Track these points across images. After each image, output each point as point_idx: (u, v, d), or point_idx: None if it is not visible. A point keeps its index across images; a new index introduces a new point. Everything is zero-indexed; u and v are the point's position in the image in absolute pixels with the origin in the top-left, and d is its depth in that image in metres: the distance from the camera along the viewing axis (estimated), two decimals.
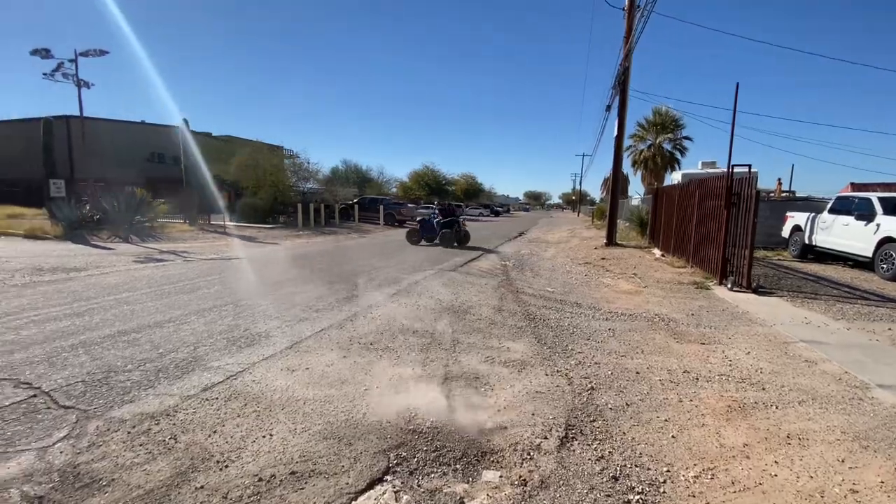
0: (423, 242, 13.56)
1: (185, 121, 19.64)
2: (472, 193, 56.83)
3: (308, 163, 25.30)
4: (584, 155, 71.44)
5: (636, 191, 30.67)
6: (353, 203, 26.12)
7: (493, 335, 4.47)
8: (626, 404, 3.02)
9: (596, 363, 3.75)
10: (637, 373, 3.57)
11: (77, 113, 18.27)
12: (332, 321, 4.87)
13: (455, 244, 13.31)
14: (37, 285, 6.35)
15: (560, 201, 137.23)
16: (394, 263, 9.45)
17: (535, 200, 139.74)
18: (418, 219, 14.27)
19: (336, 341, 4.20)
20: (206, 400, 2.92)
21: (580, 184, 71.51)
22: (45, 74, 17.41)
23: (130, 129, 27.00)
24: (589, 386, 3.28)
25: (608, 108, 15.22)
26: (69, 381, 3.11)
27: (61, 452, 2.27)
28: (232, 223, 19.23)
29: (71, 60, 17.52)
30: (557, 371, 3.56)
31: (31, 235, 12.40)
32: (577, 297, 6.37)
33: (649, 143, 29.86)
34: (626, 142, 15.36)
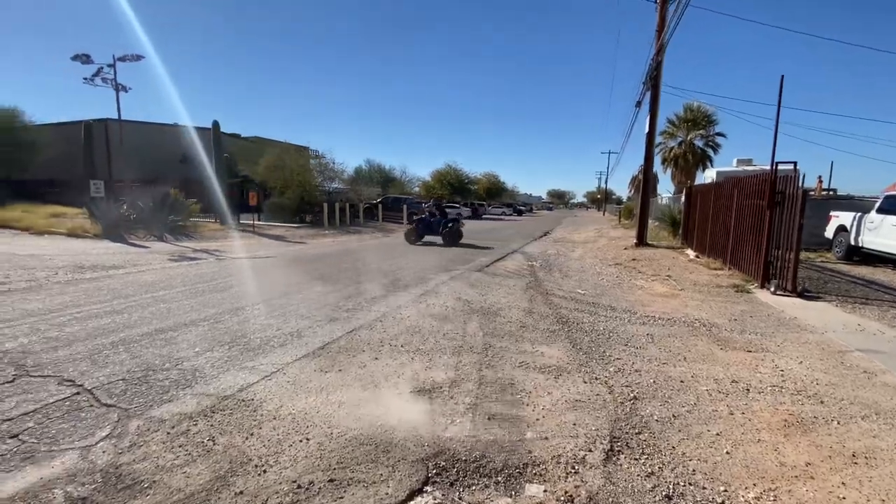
0: (417, 242, 13.44)
1: (216, 122, 20.13)
2: (495, 192, 56.44)
3: (333, 163, 25.60)
4: (609, 153, 69.90)
5: (666, 189, 29.84)
6: (376, 202, 26.32)
7: (525, 339, 4.36)
8: (673, 416, 2.85)
9: (636, 371, 3.59)
10: (681, 382, 3.39)
11: (114, 115, 18.98)
12: (362, 322, 4.85)
13: (452, 243, 13.44)
14: (78, 283, 6.57)
15: (584, 200, 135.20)
16: (419, 263, 9.41)
17: (559, 199, 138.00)
18: (415, 218, 14.22)
19: (367, 342, 4.16)
20: (243, 401, 2.91)
21: (606, 182, 70.14)
22: (85, 79, 18.21)
23: (164, 132, 27.90)
24: (631, 395, 3.13)
25: (638, 104, 14.80)
26: (110, 380, 3.17)
27: (104, 452, 2.29)
28: (260, 222, 19.64)
29: (110, 65, 18.22)
30: (596, 378, 3.41)
31: (73, 234, 12.93)
32: (610, 300, 6.18)
33: (680, 140, 28.97)
34: (656, 139, 14.89)
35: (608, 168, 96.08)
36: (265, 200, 22.96)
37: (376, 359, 3.74)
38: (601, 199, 75.97)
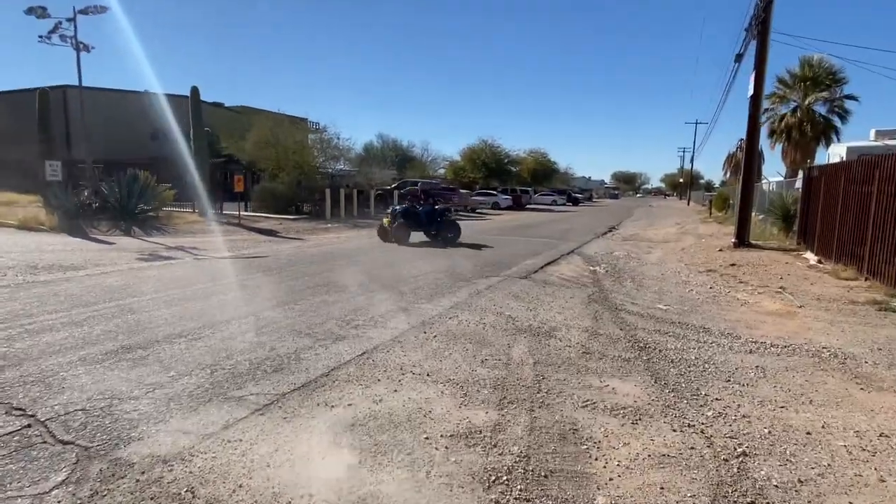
0: (405, 241, 13.02)
1: (195, 89, 20.74)
2: (543, 175, 55.83)
3: (338, 138, 25.93)
4: (696, 123, 67.82)
5: (775, 171, 28.75)
6: (391, 188, 26.52)
7: (589, 370, 4.24)
8: (799, 481, 2.69)
9: (744, 416, 3.42)
10: (808, 433, 3.21)
11: (74, 82, 19.84)
12: (377, 341, 4.84)
13: (450, 241, 13.37)
14: (31, 286, 6.86)
15: (661, 185, 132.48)
16: (445, 266, 9.39)
17: (627, 184, 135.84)
18: (397, 208, 13.78)
19: (383, 368, 4.15)
20: (229, 441, 2.93)
21: (692, 162, 67.86)
22: (40, 37, 19.04)
23: (132, 101, 29.02)
24: (738, 450, 2.98)
25: (738, 57, 14.32)
26: (67, 409, 3.25)
27: (59, 502, 2.33)
28: (248, 213, 20.12)
29: (69, 20, 19.03)
30: (689, 425, 3.27)
31: (25, 226, 13.58)
32: (702, 319, 5.97)
33: (794, 105, 27.86)
34: (762, 103, 14.35)
35: (694, 144, 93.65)
36: (254, 186, 23.52)
37: (395, 391, 3.71)
38: (684, 185, 74.02)
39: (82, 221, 13.95)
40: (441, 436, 3.06)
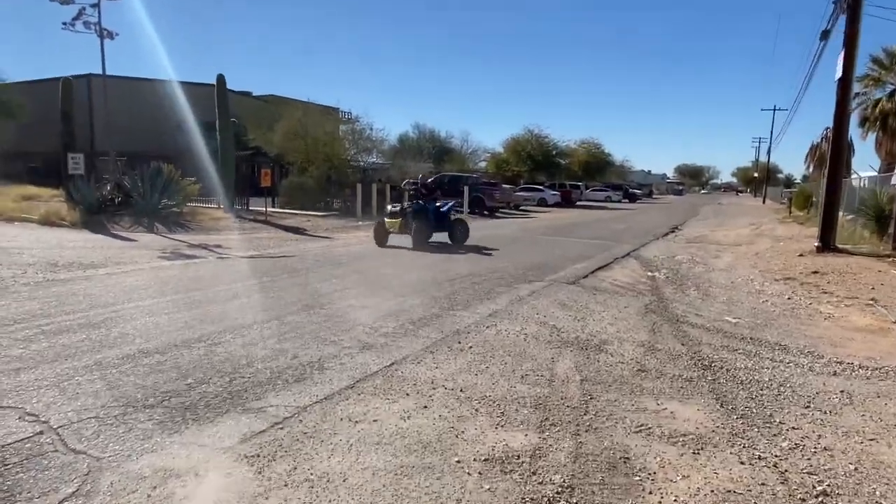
0: (426, 241, 12.45)
1: (221, 77, 21.36)
2: (596, 168, 54.97)
3: (370, 129, 26.24)
4: (774, 109, 65.30)
5: (868, 164, 27.46)
6: (427, 183, 26.65)
7: (644, 390, 4.13)
8: None
9: (825, 449, 3.26)
10: None
11: (97, 71, 20.80)
12: (407, 351, 4.86)
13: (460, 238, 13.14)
14: (50, 285, 7.20)
15: (733, 180, 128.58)
16: (483, 269, 9.35)
17: (693, 179, 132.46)
18: (405, 206, 12.91)
19: (412, 382, 4.15)
20: (245, 457, 2.98)
21: (768, 154, 65.22)
22: (64, 24, 20.05)
23: (156, 90, 30.11)
24: (818, 489, 2.83)
25: (825, 34, 13.72)
26: (81, 416, 3.38)
27: None
28: (275, 209, 20.60)
29: (93, 5, 19.95)
30: (759, 457, 3.13)
31: (47, 222, 14.30)
32: (778, 335, 5.74)
33: (890, 88, 26.52)
34: (853, 87, 13.69)
35: (772, 133, 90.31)
36: (281, 180, 24.07)
37: (425, 407, 3.70)
38: (759, 180, 71.45)
39: (104, 217, 14.57)
40: (474, 459, 3.03)
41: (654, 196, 68.82)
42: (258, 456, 3.00)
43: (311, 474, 2.84)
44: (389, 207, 13.21)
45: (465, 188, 24.85)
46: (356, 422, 3.46)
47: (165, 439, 3.15)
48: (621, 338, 5.51)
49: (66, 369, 4.16)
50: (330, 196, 23.19)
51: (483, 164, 48.84)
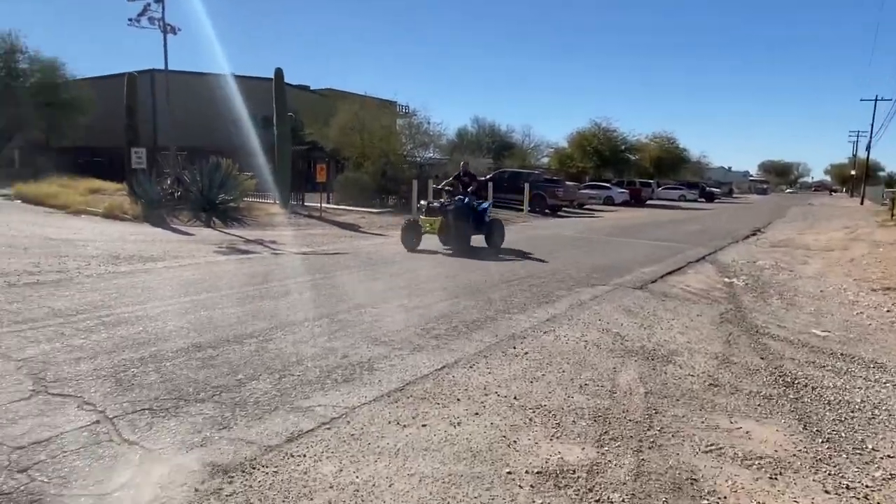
0: (462, 244, 11.45)
1: (279, 71, 22.03)
2: (670, 165, 53.17)
3: (428, 123, 26.45)
4: (876, 100, 61.17)
5: None
6: (485, 179, 26.56)
7: (717, 406, 3.98)
8: None
9: None
10: None
11: (159, 65, 21.94)
12: (459, 355, 4.86)
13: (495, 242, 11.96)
14: (112, 277, 7.63)
15: (826, 178, 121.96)
16: (543, 270, 9.25)
17: (779, 177, 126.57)
18: (445, 202, 11.76)
19: (464, 387, 4.15)
20: (291, 456, 3.06)
21: (867, 149, 61.27)
22: (130, 21, 21.27)
23: (215, 85, 31.40)
24: None
25: None
26: (135, 408, 3.57)
27: None
28: (329, 205, 21.08)
29: (157, 1, 21.05)
30: (847, 487, 2.95)
31: (110, 215, 15.18)
32: (874, 351, 5.43)
33: None
34: None
35: (872, 126, 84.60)
36: (337, 175, 24.59)
37: (477, 414, 3.69)
38: (857, 178, 67.32)
39: (164, 211, 15.31)
40: (526, 471, 2.99)
41: (734, 195, 66.17)
42: (304, 456, 3.08)
43: (357, 478, 2.88)
44: (424, 202, 12.31)
45: (526, 185, 24.61)
46: (404, 426, 3.49)
47: (214, 434, 3.28)
48: (692, 348, 5.32)
49: (122, 360, 4.40)
50: (385, 192, 23.50)
51: (545, 160, 48.31)
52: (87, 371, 4.15)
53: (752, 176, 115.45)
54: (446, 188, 12.54)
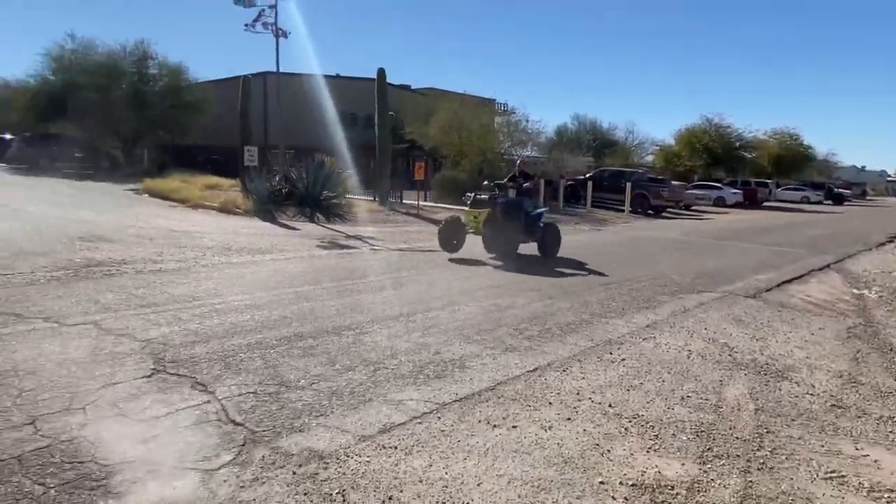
0: (511, 252, 9.83)
1: (382, 71, 22.70)
2: (791, 163, 49.05)
3: (526, 121, 26.26)
4: None
5: None
6: (584, 179, 25.95)
7: (840, 430, 3.65)
8: None
9: None
10: None
11: (271, 68, 23.25)
12: (552, 357, 4.79)
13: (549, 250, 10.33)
14: (224, 267, 8.20)
15: None
16: (643, 274, 8.90)
17: None
18: (485, 194, 10.23)
19: (556, 391, 4.09)
20: (384, 447, 3.15)
21: None
22: (246, 26, 22.70)
23: (320, 85, 32.87)
24: None
25: None
26: (241, 391, 3.81)
27: (225, 482, 2.74)
28: (427, 203, 21.46)
29: (271, 6, 22.33)
30: None
31: (224, 209, 16.30)
32: None
33: None
34: None
35: None
36: (435, 174, 25.00)
37: (569, 419, 3.61)
38: None
39: (272, 206, 16.23)
40: (620, 483, 2.89)
41: (867, 197, 60.40)
42: (396, 448, 3.15)
43: (446, 474, 2.91)
44: (471, 194, 10.55)
45: (627, 185, 23.76)
46: (494, 426, 3.49)
47: (312, 421, 3.43)
48: (812, 365, 4.93)
49: (231, 346, 4.71)
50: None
51: (649, 158, 46.47)
52: (201, 354, 4.48)
53: (889, 176, 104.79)
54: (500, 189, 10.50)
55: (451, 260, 9.71)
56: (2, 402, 3.46)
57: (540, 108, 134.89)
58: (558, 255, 10.41)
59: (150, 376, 3.98)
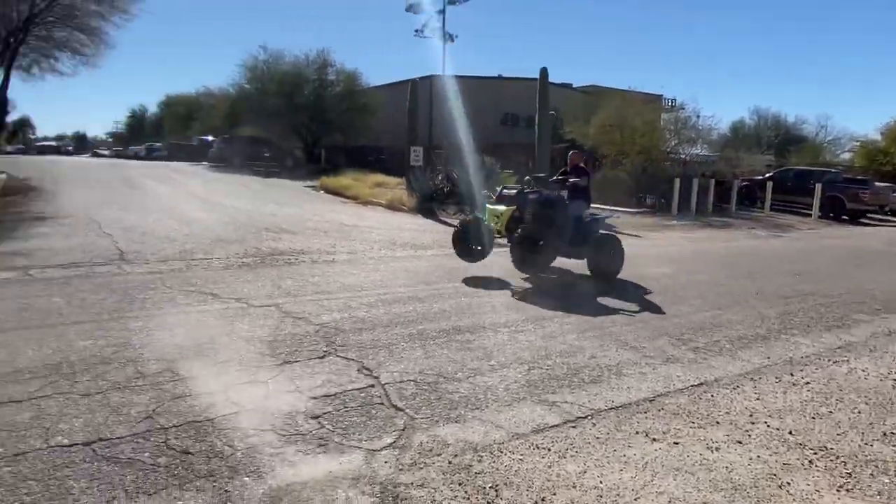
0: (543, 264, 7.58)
1: (544, 71, 22.52)
2: None
3: (697, 117, 24.45)
4: None
5: None
6: (762, 179, 23.56)
7: None
8: None
9: None
10: None
11: (438, 71, 24.14)
12: (720, 373, 4.44)
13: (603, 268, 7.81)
14: (389, 261, 8.67)
15: None
16: (835, 287, 7.87)
17: None
18: (513, 190, 8.24)
19: (725, 410, 3.77)
20: (537, 447, 3.12)
21: None
22: (416, 32, 23.86)
23: (484, 86, 33.43)
24: None
25: None
26: (403, 378, 4.00)
27: (386, 462, 2.89)
28: None
29: (439, 12, 23.17)
30: None
31: (391, 206, 17.22)
32: None
33: None
34: None
35: None
36: (595, 173, 24.27)
37: (739, 443, 3.30)
38: None
39: (434, 204, 16.85)
40: None
41: None
42: (549, 450, 3.11)
43: (601, 483, 2.81)
44: (501, 190, 8.67)
45: (817, 186, 21.02)
46: (654, 439, 3.30)
47: (468, 413, 3.51)
48: None
49: (394, 335, 4.96)
50: (643, 191, 22.46)
51: (847, 156, 40.98)
52: (367, 341, 4.77)
53: None
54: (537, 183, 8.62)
55: (464, 280, 7.36)
56: (203, 369, 3.97)
57: (714, 103, 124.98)
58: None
59: (322, 357, 4.32)
